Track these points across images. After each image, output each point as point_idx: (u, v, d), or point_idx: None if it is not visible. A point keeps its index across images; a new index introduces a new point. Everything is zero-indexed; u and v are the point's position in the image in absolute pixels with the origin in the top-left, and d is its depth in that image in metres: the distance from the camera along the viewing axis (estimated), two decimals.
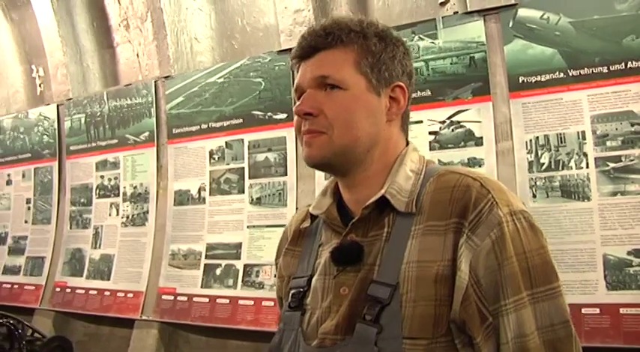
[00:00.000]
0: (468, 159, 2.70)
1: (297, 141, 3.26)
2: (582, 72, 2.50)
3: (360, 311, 1.06)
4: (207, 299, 3.38)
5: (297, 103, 1.15)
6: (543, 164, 2.55)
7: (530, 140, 2.58)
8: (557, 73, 2.54)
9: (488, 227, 1.02)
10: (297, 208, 3.16)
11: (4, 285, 4.65)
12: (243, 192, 3.40)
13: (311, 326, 1.14)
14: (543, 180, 2.54)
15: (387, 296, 1.04)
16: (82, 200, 4.25)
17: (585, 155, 2.47)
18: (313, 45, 1.15)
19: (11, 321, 2.44)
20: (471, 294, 1.02)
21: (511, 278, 1.02)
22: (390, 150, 1.17)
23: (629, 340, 2.27)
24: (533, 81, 2.59)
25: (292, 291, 1.22)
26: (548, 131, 2.55)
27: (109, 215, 4.05)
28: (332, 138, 1.11)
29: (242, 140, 3.43)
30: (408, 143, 1.21)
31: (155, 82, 3.84)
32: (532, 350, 1.00)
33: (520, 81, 2.61)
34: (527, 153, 2.58)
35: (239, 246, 3.35)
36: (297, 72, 1.18)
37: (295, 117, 1.17)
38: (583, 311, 2.37)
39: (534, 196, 2.55)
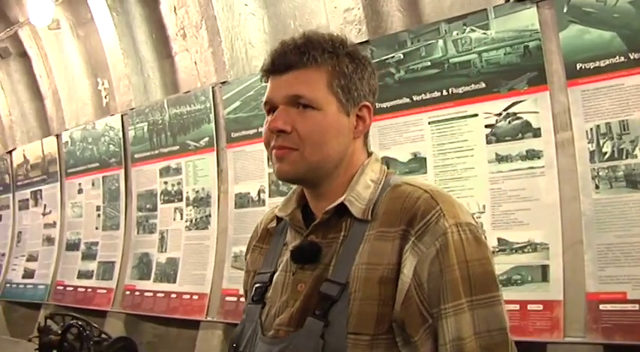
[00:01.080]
0: (527, 152, 2.62)
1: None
2: None
3: (313, 306, 1.15)
4: None
5: (270, 119, 1.20)
6: (606, 153, 2.44)
7: (591, 129, 2.48)
8: (617, 57, 2.42)
9: (433, 236, 1.10)
10: None
11: (79, 289, 4.88)
12: None
13: (269, 318, 1.22)
14: (606, 171, 2.43)
15: (336, 294, 1.12)
16: (147, 206, 4.40)
17: None
18: (287, 62, 1.19)
19: (80, 323, 2.55)
20: (412, 296, 1.10)
21: (451, 284, 1.09)
22: (354, 163, 1.24)
23: None
24: (592, 67, 2.48)
25: (256, 285, 1.30)
26: (610, 119, 2.44)
27: (174, 219, 4.17)
28: (304, 155, 1.17)
29: None
30: (370, 154, 1.28)
31: (212, 88, 3.93)
32: None
33: (578, 68, 2.51)
34: (588, 142, 2.48)
35: None
36: (268, 84, 1.24)
37: (265, 132, 1.22)
38: None
39: (597, 187, 2.44)
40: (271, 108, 1.21)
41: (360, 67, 1.22)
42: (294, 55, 1.18)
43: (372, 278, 1.12)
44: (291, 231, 1.28)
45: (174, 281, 4.02)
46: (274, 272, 1.27)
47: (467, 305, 1.09)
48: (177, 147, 4.18)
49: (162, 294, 4.08)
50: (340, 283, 1.13)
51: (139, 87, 4.53)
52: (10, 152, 6.27)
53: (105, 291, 4.59)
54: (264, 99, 1.23)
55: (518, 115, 2.66)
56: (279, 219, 1.32)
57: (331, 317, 1.11)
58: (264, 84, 3.92)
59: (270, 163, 3.62)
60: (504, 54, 2.69)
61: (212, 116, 3.92)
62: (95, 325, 2.61)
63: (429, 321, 1.09)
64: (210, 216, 3.90)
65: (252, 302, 1.28)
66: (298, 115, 1.17)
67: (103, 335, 2.55)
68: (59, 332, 2.61)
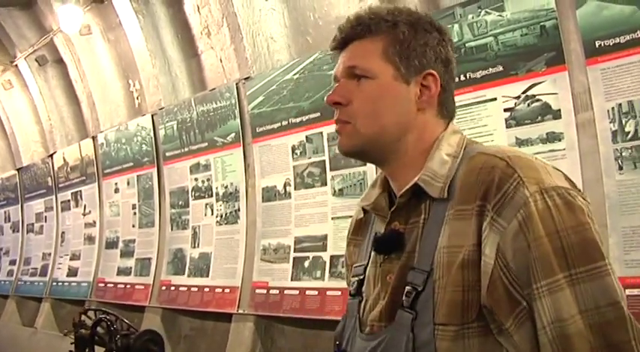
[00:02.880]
0: (547, 134, 2.57)
1: None
2: None
3: (401, 297, 1.08)
4: (297, 292, 3.45)
5: (329, 93, 1.18)
6: (629, 133, 2.37)
7: (613, 108, 2.41)
8: (638, 32, 2.35)
9: (514, 208, 0.99)
10: None
11: (119, 286, 5.03)
12: (326, 185, 3.44)
13: (365, 312, 1.17)
14: (630, 151, 2.36)
15: (421, 283, 1.05)
16: (179, 202, 4.48)
17: None
18: (345, 36, 1.17)
19: (109, 317, 2.63)
20: (497, 279, 1.00)
21: (542, 260, 0.97)
22: (426, 137, 1.16)
23: None
24: (612, 44, 2.41)
25: (353, 279, 1.26)
26: (632, 97, 2.36)
27: (205, 215, 4.24)
28: (357, 128, 1.13)
29: (321, 133, 3.47)
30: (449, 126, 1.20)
31: (236, 84, 3.98)
32: (574, 335, 0.95)
33: (597, 45, 2.44)
34: (610, 122, 2.41)
35: (325, 237, 3.40)
36: None
37: None
38: None
39: (620, 168, 2.37)
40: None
41: (421, 33, 1.15)
42: (351, 29, 1.16)
43: (454, 262, 1.03)
44: (378, 218, 1.22)
45: (207, 276, 4.10)
46: (368, 265, 1.23)
47: (565, 280, 0.96)
48: (206, 144, 4.25)
49: (196, 288, 4.16)
50: (424, 270, 1.06)
51: (167, 86, 4.62)
52: (51, 156, 6.49)
53: (142, 287, 4.71)
54: (332, 76, 1.22)
55: (537, 97, 2.61)
56: (364, 210, 1.27)
57: (418, 307, 1.05)
58: (286, 78, 3.94)
59: (295, 156, 3.66)
60: (521, 35, 2.64)
61: (237, 112, 3.97)
62: (124, 319, 2.68)
63: (522, 304, 0.98)
64: (239, 210, 3.96)
65: (350, 296, 1.24)
66: (355, 87, 1.14)
67: (131, 329, 2.61)
68: (90, 326, 2.69)
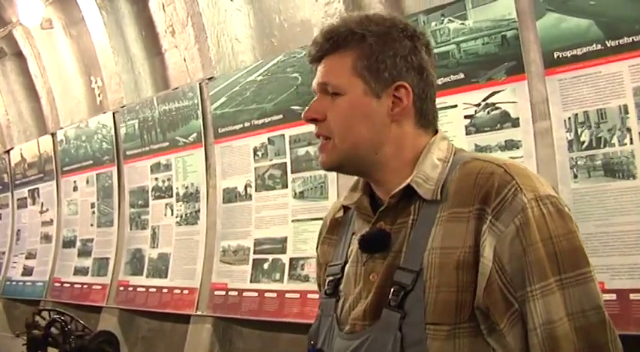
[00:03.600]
0: (505, 142, 2.61)
1: None
2: (621, 41, 2.34)
3: (387, 297, 1.08)
4: (256, 294, 3.44)
5: (306, 109, 1.19)
6: (584, 142, 2.43)
7: (569, 118, 2.46)
8: (594, 44, 2.40)
9: (512, 213, 1.02)
10: None
11: (75, 286, 4.93)
12: (287, 187, 3.43)
13: (344, 312, 1.17)
14: (584, 160, 2.42)
15: (410, 282, 1.06)
16: (139, 202, 4.43)
17: (629, 130, 2.32)
18: (318, 52, 1.18)
19: (63, 318, 2.58)
20: (494, 281, 1.02)
21: (537, 264, 1.01)
22: (407, 147, 1.16)
23: None
24: (569, 55, 2.46)
25: (328, 278, 1.25)
26: (588, 107, 2.42)
27: (165, 215, 4.20)
28: (335, 143, 1.15)
29: (283, 135, 3.47)
30: (437, 131, 1.21)
31: (199, 84, 3.95)
32: (561, 337, 0.99)
33: (555, 56, 2.50)
34: (567, 131, 2.47)
35: (284, 240, 3.39)
36: None
37: None
38: (631, 296, 2.24)
39: (575, 177, 2.43)
40: None
41: (390, 44, 1.14)
42: (323, 43, 1.16)
43: (448, 263, 1.05)
44: (359, 219, 1.23)
45: (166, 277, 4.05)
46: (345, 264, 1.22)
47: (556, 284, 1.00)
48: (167, 144, 4.20)
49: (154, 289, 4.11)
50: (414, 270, 1.07)
51: (129, 84, 4.55)
52: (7, 151, 6.34)
53: (100, 287, 4.63)
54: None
55: (496, 105, 2.65)
56: (346, 209, 1.28)
57: (407, 307, 1.05)
58: (249, 79, 3.90)
59: (256, 157, 3.64)
60: (482, 44, 2.68)
61: (199, 112, 3.94)
62: (80, 320, 2.63)
63: (515, 306, 1.02)
64: (199, 211, 3.93)
65: (325, 295, 1.24)
66: (330, 103, 1.15)
67: (86, 330, 2.56)
68: (44, 327, 2.63)
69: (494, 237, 1.02)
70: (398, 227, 1.13)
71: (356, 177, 1.28)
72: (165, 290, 4.01)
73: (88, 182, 4.99)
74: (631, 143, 2.32)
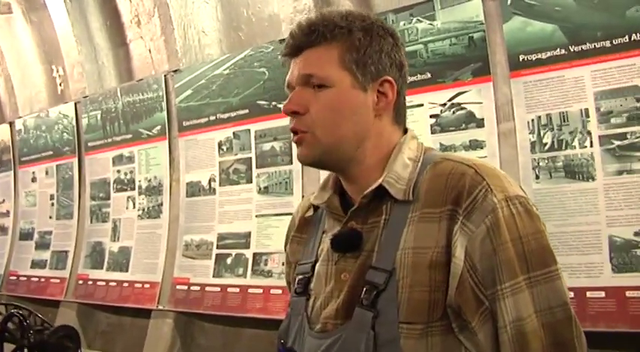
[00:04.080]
0: (470, 142, 2.65)
1: None
2: (584, 47, 2.41)
3: (359, 296, 1.08)
4: (218, 289, 3.42)
5: (285, 102, 1.16)
6: (546, 144, 2.48)
7: (532, 120, 2.51)
8: (558, 49, 2.46)
9: (482, 213, 1.03)
10: (303, 196, 3.15)
11: (32, 279, 4.82)
12: (251, 182, 3.42)
13: (315, 311, 1.16)
14: (546, 161, 2.48)
15: (382, 282, 1.06)
16: (100, 194, 4.35)
17: (589, 133, 2.39)
18: (299, 43, 1.15)
19: (21, 312, 2.51)
20: (466, 279, 1.03)
21: (507, 263, 1.02)
22: (383, 143, 1.16)
23: (636, 324, 2.21)
24: (534, 59, 2.51)
25: (298, 277, 1.24)
26: (551, 110, 2.48)
27: (126, 208, 4.13)
28: (316, 137, 1.12)
29: (249, 130, 3.45)
30: (406, 131, 1.21)
31: (165, 76, 3.89)
32: (530, 333, 1.01)
33: (520, 59, 2.54)
34: (530, 133, 2.52)
35: (248, 235, 3.38)
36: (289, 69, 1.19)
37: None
38: (588, 294, 2.31)
39: (537, 177, 2.48)
40: (292, 91, 1.17)
41: (376, 40, 1.14)
42: (305, 36, 1.14)
43: (421, 263, 1.05)
44: (329, 218, 1.22)
45: (127, 270, 3.99)
46: (315, 262, 1.21)
47: (525, 282, 1.02)
48: (130, 136, 4.14)
49: (114, 283, 4.05)
50: (386, 270, 1.07)
51: (92, 74, 4.46)
52: None
53: (58, 281, 4.53)
54: (285, 83, 1.19)
55: (462, 106, 2.69)
56: (315, 207, 1.26)
57: (380, 306, 1.05)
58: (216, 72, 3.87)
59: (221, 151, 3.62)
60: (450, 45, 2.71)
61: (164, 104, 3.89)
62: (38, 314, 2.57)
63: (485, 304, 1.03)
64: (162, 204, 3.88)
65: (295, 294, 1.23)
66: (312, 96, 1.12)
67: (46, 325, 2.50)
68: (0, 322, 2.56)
69: (466, 237, 1.04)
70: (369, 226, 1.13)
71: (325, 176, 1.27)
72: (125, 284, 3.96)
73: (47, 173, 4.88)
74: (591, 146, 2.38)
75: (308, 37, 1.13)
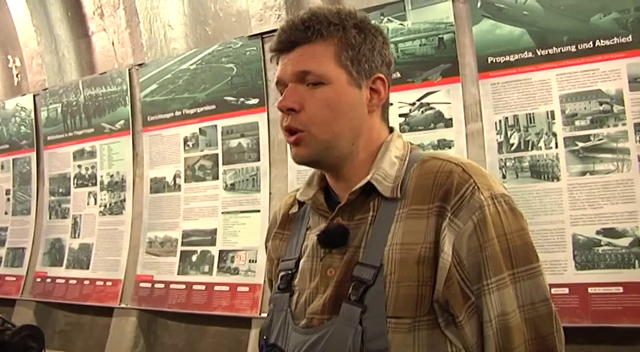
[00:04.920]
0: (438, 141, 2.69)
1: (269, 127, 3.19)
2: (551, 51, 2.48)
3: (346, 291, 1.09)
4: (183, 286, 3.38)
5: (280, 99, 1.15)
6: (513, 144, 2.54)
7: (500, 121, 2.57)
8: (526, 52, 2.52)
9: (470, 210, 1.06)
10: (270, 193, 3.14)
11: None
12: (218, 179, 3.38)
13: (299, 306, 1.17)
14: (513, 161, 2.53)
15: (370, 277, 1.07)
16: (60, 190, 4.23)
17: (554, 135, 2.45)
18: (293, 39, 1.14)
19: None
20: (453, 275, 1.05)
21: (493, 259, 1.05)
22: (374, 139, 1.18)
23: (598, 319, 2.28)
24: (502, 61, 2.57)
25: (281, 273, 1.24)
26: (518, 111, 2.53)
27: (87, 204, 4.03)
28: (313, 135, 1.12)
29: (215, 126, 3.42)
30: (392, 130, 1.23)
31: (129, 69, 3.81)
32: (514, 328, 1.04)
33: (489, 61, 2.59)
34: (497, 133, 2.57)
35: (214, 232, 3.35)
36: (277, 65, 1.18)
37: (280, 112, 1.17)
38: (553, 291, 2.36)
39: (504, 177, 2.54)
40: (283, 88, 1.16)
41: (369, 38, 1.16)
42: (299, 31, 1.13)
43: (409, 258, 1.07)
44: (314, 215, 1.23)
45: (88, 268, 3.90)
46: (299, 259, 1.22)
47: (509, 278, 1.05)
48: (92, 130, 4.04)
49: (74, 281, 3.95)
50: (374, 266, 1.08)
51: (52, 66, 4.34)
52: None
53: (14, 279, 4.38)
54: (274, 79, 1.18)
55: (431, 105, 2.72)
56: (300, 204, 1.27)
57: (367, 301, 1.06)
58: (182, 67, 3.79)
59: (187, 147, 3.55)
60: (420, 45, 2.73)
61: (128, 99, 3.81)
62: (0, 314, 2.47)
63: (472, 299, 1.05)
64: (124, 200, 3.80)
65: (278, 290, 1.23)
66: (307, 93, 1.13)
67: (7, 325, 2.41)
68: None
69: (453, 233, 1.06)
70: (356, 223, 1.14)
71: (311, 173, 1.28)
72: (86, 282, 3.86)
73: (3, 167, 4.71)
74: (556, 147, 2.45)
75: (303, 33, 1.13)
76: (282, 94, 1.16)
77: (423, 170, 1.13)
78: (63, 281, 4.03)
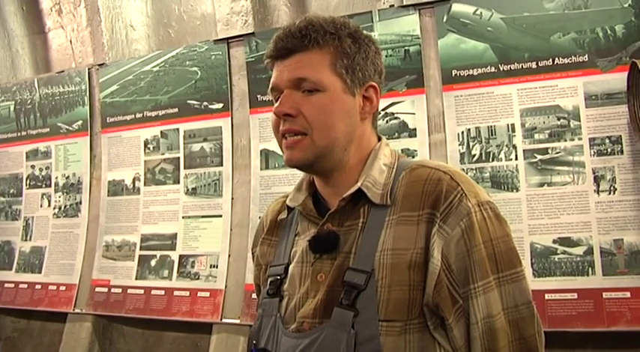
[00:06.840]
0: (402, 151, 2.74)
1: (233, 132, 3.14)
2: (512, 67, 2.57)
3: (337, 296, 1.12)
4: (142, 291, 3.32)
5: (276, 104, 1.18)
6: (474, 155, 2.62)
7: (462, 132, 2.64)
8: (489, 67, 2.61)
9: (458, 217, 1.10)
10: (232, 198, 3.13)
11: None
12: (179, 183, 3.35)
13: (289, 311, 1.19)
14: (474, 171, 2.61)
15: (362, 282, 1.10)
16: (11, 190, 4.10)
17: (514, 147, 2.55)
18: (289, 46, 1.17)
19: None
20: (442, 279, 1.09)
21: (479, 264, 1.10)
22: (364, 146, 1.22)
23: (554, 324, 2.37)
24: (466, 74, 2.65)
25: (270, 279, 1.26)
26: (480, 123, 2.62)
27: (40, 206, 3.92)
28: (313, 140, 1.15)
29: (177, 130, 3.38)
30: (380, 138, 1.27)
31: (89, 69, 3.74)
32: (499, 329, 1.09)
33: (453, 74, 2.67)
34: (459, 144, 2.64)
35: (174, 236, 3.31)
36: (272, 71, 1.21)
37: (273, 117, 1.19)
38: None
39: None
40: (278, 94, 1.18)
41: (363, 47, 1.20)
42: (295, 39, 1.16)
43: (401, 263, 1.10)
44: (303, 220, 1.25)
45: (40, 272, 3.78)
46: (288, 264, 1.23)
47: (494, 282, 1.09)
48: (48, 130, 3.93)
49: (25, 285, 3.82)
50: (365, 271, 1.10)
51: (5, 62, 4.20)
52: None
53: None
54: (270, 85, 1.20)
55: (396, 115, 2.78)
56: (289, 209, 1.29)
57: (359, 306, 1.09)
58: (145, 69, 3.73)
59: (147, 150, 3.50)
60: (386, 56, 2.78)
61: (87, 99, 3.73)
62: None
63: (459, 302, 1.09)
64: (80, 203, 3.71)
65: (267, 295, 1.24)
66: (303, 99, 1.15)
67: None
68: None
69: (442, 239, 1.10)
70: (347, 229, 1.17)
71: (300, 178, 1.31)
72: (38, 287, 3.75)
73: None
74: (516, 159, 2.54)
75: (300, 41, 1.17)
76: (276, 100, 1.19)
77: (412, 177, 1.17)
78: (12, 285, 3.89)
